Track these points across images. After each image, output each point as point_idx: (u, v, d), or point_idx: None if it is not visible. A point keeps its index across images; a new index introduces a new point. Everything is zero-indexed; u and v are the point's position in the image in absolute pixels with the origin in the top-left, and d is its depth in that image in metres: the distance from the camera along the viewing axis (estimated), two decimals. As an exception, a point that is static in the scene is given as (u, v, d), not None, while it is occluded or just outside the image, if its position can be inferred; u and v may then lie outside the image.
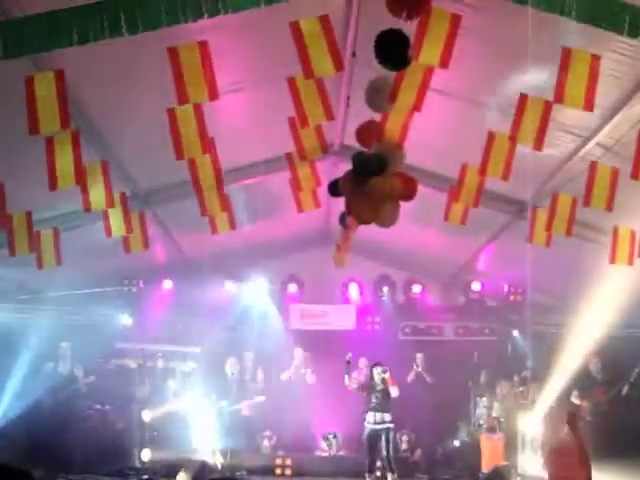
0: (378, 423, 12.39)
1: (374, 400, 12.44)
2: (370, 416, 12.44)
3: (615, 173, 8.94)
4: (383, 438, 12.26)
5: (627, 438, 12.08)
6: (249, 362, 14.96)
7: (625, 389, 13.22)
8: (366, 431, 12.48)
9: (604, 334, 13.09)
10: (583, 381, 13.57)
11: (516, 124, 8.07)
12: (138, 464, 13.32)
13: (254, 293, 15.67)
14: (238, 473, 12.93)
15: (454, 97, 9.49)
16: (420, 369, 15.12)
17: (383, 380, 12.30)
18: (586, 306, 12.64)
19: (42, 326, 13.65)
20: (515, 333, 15.82)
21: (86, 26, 6.08)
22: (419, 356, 15.29)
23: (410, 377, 14.97)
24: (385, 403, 12.42)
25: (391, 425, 12.44)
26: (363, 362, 14.68)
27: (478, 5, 7.66)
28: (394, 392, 12.33)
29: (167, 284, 15.55)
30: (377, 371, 12.41)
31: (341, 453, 14.56)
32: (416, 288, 16.03)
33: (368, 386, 12.61)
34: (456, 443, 14.82)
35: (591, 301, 12.33)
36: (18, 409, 12.94)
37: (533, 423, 13.05)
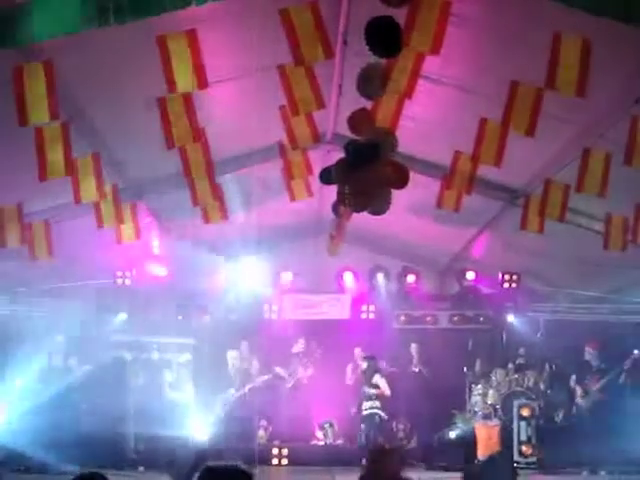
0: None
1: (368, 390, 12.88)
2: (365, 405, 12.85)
3: (608, 159, 8.91)
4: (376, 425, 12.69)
5: (618, 424, 12.16)
6: (245, 352, 14.97)
7: (622, 377, 13.25)
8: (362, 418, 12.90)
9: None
10: (580, 368, 13.63)
11: (508, 111, 8.03)
12: (133, 455, 13.32)
13: (248, 283, 15.64)
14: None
15: (445, 84, 9.45)
16: (419, 368, 15.18)
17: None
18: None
19: (36, 318, 13.64)
20: (510, 320, 15.85)
21: (74, 16, 6.04)
22: (414, 346, 15.32)
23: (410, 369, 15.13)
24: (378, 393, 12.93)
25: (382, 413, 12.89)
26: (358, 352, 14.72)
27: (468, -9, 7.63)
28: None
29: (161, 273, 15.40)
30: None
31: (337, 442, 14.60)
32: (410, 278, 16.00)
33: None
34: (452, 431, 14.85)
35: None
36: (13, 402, 12.92)
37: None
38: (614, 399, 13.10)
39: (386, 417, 13.82)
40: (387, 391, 13.66)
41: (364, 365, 13.91)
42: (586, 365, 13.74)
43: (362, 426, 13.64)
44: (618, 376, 13.30)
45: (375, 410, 13.37)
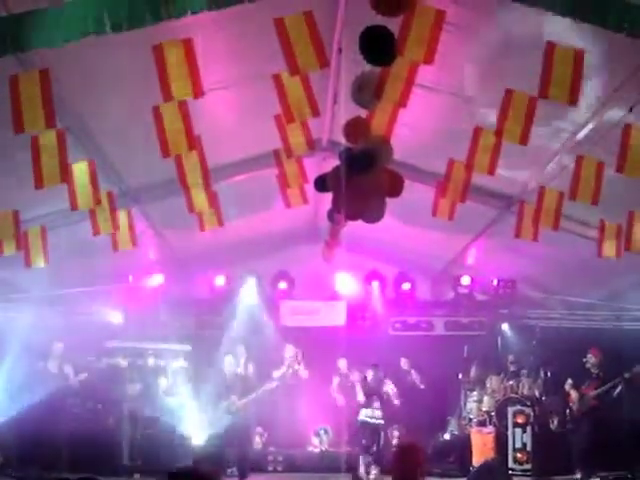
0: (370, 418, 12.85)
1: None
2: (363, 412, 12.86)
3: (601, 167, 8.95)
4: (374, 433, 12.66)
5: (610, 434, 12.19)
6: (242, 357, 14.97)
7: (619, 389, 13.20)
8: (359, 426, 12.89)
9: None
10: (578, 373, 13.63)
11: (502, 119, 8.07)
12: (129, 462, 13.33)
13: (244, 289, 15.68)
14: (229, 470, 12.96)
15: (440, 93, 9.50)
16: (414, 375, 15.17)
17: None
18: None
19: (32, 325, 13.62)
20: (505, 327, 15.90)
21: (70, 25, 6.08)
22: (404, 361, 15.28)
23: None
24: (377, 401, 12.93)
25: (382, 421, 12.86)
26: (343, 364, 14.67)
27: (462, 1, 7.67)
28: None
29: (157, 280, 15.40)
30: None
31: (332, 448, 14.60)
32: (406, 285, 16.03)
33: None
34: (447, 437, 14.88)
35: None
36: (8, 409, 12.91)
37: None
38: (609, 407, 13.09)
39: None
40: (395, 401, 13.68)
41: (370, 374, 13.81)
42: (585, 371, 13.72)
43: (359, 432, 13.58)
44: (616, 386, 13.26)
45: (380, 420, 13.32)
